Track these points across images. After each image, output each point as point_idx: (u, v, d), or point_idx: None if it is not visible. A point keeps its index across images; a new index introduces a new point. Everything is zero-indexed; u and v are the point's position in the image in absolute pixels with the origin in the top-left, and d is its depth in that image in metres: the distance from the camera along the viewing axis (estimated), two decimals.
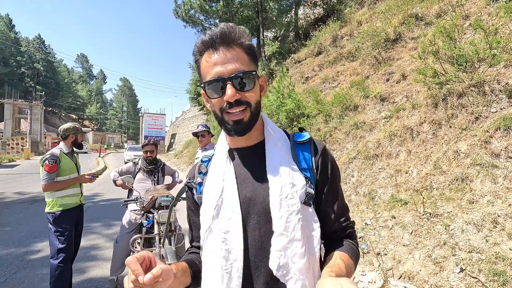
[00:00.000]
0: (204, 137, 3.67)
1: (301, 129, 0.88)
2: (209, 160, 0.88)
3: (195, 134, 3.72)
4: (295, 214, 0.70)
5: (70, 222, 2.72)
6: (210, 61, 0.72)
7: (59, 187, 2.69)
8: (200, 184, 0.85)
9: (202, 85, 0.75)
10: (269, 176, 0.75)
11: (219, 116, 0.75)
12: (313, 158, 0.79)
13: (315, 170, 0.79)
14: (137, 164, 3.37)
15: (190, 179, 0.89)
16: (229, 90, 0.69)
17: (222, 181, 0.78)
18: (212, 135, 3.90)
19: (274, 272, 0.69)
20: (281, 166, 0.75)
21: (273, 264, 0.69)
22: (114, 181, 3.21)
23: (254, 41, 16.57)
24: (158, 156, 3.53)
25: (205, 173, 0.85)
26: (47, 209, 2.69)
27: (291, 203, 0.71)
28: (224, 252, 0.72)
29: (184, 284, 0.74)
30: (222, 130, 0.84)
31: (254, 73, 0.73)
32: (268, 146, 0.79)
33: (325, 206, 0.79)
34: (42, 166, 2.64)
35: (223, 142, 0.84)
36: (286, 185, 0.72)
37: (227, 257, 0.72)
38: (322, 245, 0.81)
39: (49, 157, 2.64)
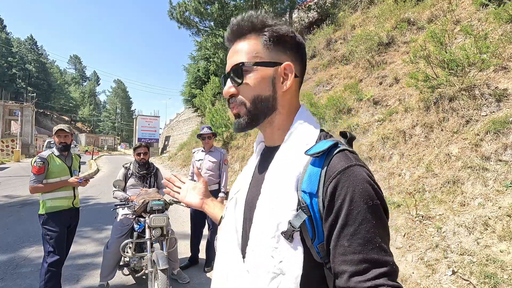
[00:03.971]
0: (210, 139, 3.64)
1: (343, 134, 0.68)
2: None
3: (200, 136, 3.68)
4: (267, 238, 0.58)
5: (59, 226, 2.65)
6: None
7: (46, 189, 2.63)
8: None
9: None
10: (262, 189, 0.65)
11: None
12: (322, 180, 0.57)
13: (321, 197, 0.57)
14: (129, 169, 3.29)
15: None
16: (225, 84, 0.69)
17: (245, 176, 0.77)
18: (215, 136, 3.88)
19: None
20: (276, 179, 0.62)
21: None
22: (116, 198, 3.11)
23: None
24: (152, 159, 3.48)
25: None
26: (39, 211, 2.66)
27: (266, 223, 0.59)
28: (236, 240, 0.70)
29: (215, 216, 0.92)
30: None
31: (241, 64, 0.66)
32: (279, 152, 0.66)
33: (335, 253, 0.55)
34: None
35: (260, 135, 0.81)
36: (270, 202, 0.61)
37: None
38: None
39: (37, 159, 2.61)
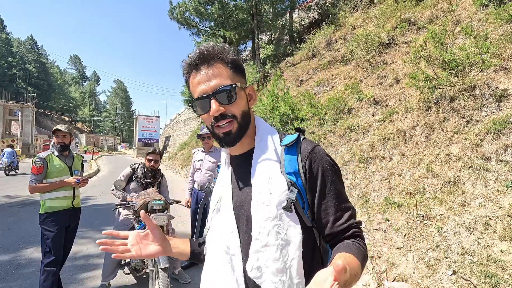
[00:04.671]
0: (210, 139, 3.63)
1: (297, 130, 0.86)
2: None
3: (199, 136, 3.67)
4: (270, 220, 0.72)
5: (57, 226, 2.64)
6: (195, 81, 0.78)
7: (45, 189, 2.63)
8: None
9: (190, 104, 0.82)
10: (252, 183, 0.78)
11: (211, 131, 0.82)
12: (299, 161, 0.78)
13: (302, 174, 0.77)
14: (135, 171, 3.22)
15: (209, 183, 1.02)
16: (213, 105, 0.75)
17: (221, 187, 0.87)
18: None
19: (248, 273, 0.73)
20: (263, 173, 0.77)
21: (248, 266, 0.74)
22: (115, 195, 3.08)
23: (249, 44, 16.60)
24: None
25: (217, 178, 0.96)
26: (39, 211, 2.67)
27: (267, 209, 0.73)
28: (225, 248, 0.80)
29: (184, 252, 0.92)
30: None
31: (234, 85, 0.77)
32: (255, 153, 0.81)
33: (319, 210, 0.76)
34: None
35: (225, 150, 0.91)
36: (264, 192, 0.75)
37: (228, 252, 0.79)
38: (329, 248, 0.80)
39: (36, 159, 2.63)
